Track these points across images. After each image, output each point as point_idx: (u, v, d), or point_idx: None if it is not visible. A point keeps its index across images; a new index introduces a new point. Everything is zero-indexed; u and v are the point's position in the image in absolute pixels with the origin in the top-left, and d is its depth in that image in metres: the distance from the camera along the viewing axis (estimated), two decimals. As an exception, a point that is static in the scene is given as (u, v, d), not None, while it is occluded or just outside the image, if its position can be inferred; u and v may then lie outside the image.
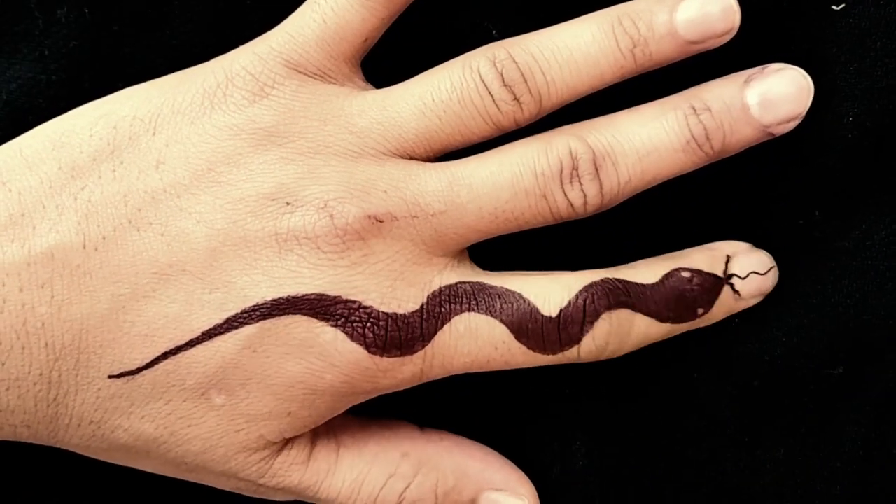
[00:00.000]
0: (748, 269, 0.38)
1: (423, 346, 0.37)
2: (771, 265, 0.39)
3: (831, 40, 0.39)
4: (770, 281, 0.39)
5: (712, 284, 0.38)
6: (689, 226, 0.40)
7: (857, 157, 0.39)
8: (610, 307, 0.37)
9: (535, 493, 0.40)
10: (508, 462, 0.40)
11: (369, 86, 0.38)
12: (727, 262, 0.38)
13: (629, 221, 0.39)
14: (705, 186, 0.39)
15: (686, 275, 0.38)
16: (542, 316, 0.37)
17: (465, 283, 0.37)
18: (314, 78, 0.37)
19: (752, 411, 0.40)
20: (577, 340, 0.37)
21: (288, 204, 0.36)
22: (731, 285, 0.38)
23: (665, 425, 0.41)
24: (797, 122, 0.37)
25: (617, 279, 0.37)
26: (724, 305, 0.38)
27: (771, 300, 0.39)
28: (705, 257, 0.38)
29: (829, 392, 0.40)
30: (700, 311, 0.38)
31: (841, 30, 0.39)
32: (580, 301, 0.37)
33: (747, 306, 0.39)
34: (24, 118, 0.39)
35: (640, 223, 0.40)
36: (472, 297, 0.37)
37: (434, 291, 0.37)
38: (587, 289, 0.37)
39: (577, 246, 0.39)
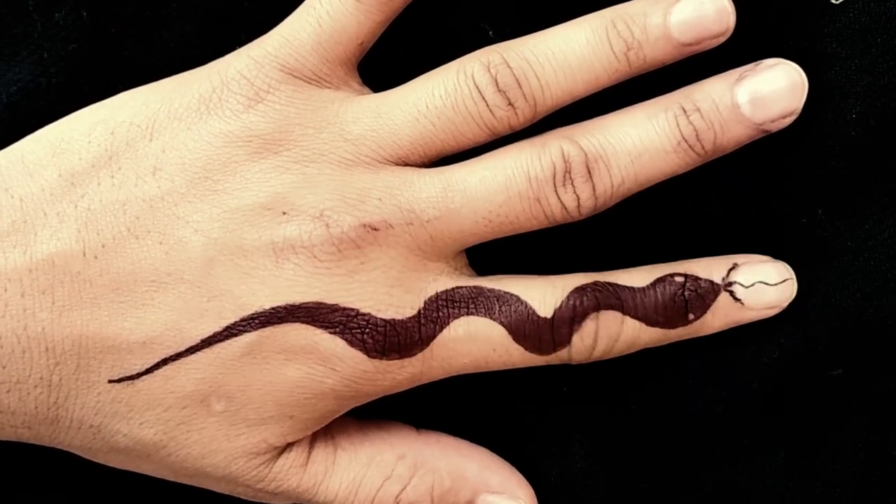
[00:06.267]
0: (755, 278, 0.38)
1: (422, 349, 0.37)
2: (785, 277, 0.38)
3: (832, 36, 0.38)
4: (785, 293, 0.38)
5: (706, 290, 0.38)
6: (690, 224, 0.40)
7: (860, 156, 0.39)
8: (598, 308, 0.37)
9: (534, 496, 0.40)
10: (506, 464, 0.40)
11: (365, 88, 0.38)
12: (730, 270, 0.38)
13: (628, 219, 0.39)
14: (707, 184, 0.39)
15: (679, 279, 0.38)
16: (539, 317, 0.37)
17: (462, 287, 0.37)
18: (309, 82, 0.37)
19: (751, 414, 0.40)
20: (568, 341, 0.37)
21: (284, 214, 0.36)
22: (732, 293, 0.38)
23: (664, 428, 0.41)
24: (792, 118, 0.37)
25: (607, 282, 0.37)
26: (723, 313, 0.38)
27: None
28: (706, 264, 0.38)
29: (828, 394, 0.40)
30: (691, 316, 0.38)
31: (841, 25, 0.38)
32: (570, 302, 0.37)
33: (759, 317, 0.38)
34: (24, 121, 0.39)
35: (640, 221, 0.40)
36: (470, 300, 0.37)
37: (431, 297, 0.37)
38: (577, 290, 0.37)
39: (576, 247, 0.39)
